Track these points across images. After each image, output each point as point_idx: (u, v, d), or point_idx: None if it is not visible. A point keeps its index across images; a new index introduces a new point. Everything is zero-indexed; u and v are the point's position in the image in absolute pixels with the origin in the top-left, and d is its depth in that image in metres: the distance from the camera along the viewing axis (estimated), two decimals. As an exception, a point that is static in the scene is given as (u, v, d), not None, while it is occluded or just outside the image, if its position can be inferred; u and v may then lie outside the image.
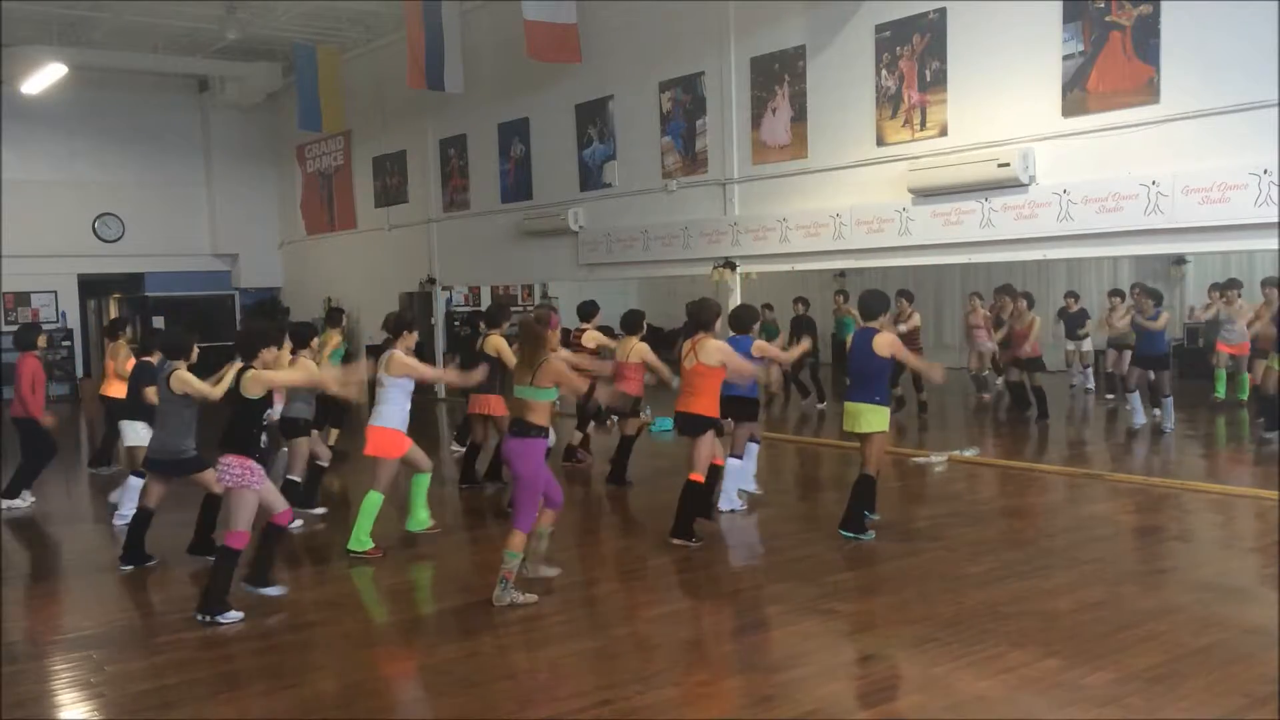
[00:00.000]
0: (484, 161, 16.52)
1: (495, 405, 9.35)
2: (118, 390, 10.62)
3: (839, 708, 4.70)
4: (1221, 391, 13.07)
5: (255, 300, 22.05)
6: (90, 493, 10.51)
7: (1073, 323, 15.06)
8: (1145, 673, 4.90)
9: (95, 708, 5.06)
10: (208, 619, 6.03)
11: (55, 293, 20.38)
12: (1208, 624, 5.56)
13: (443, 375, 8.63)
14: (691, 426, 7.57)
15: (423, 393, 11.75)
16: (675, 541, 7.44)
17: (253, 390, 6.16)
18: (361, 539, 7.42)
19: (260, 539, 6.47)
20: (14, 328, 19.51)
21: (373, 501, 7.42)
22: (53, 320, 20.29)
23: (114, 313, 21.87)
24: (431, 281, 17.82)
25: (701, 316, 7.56)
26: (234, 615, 6.08)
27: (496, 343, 9.30)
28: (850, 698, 4.87)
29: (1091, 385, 15.34)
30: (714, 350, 7.43)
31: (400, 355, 7.47)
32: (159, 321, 20.06)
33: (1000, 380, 14.53)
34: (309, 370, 7.71)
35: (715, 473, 7.85)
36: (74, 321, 20.53)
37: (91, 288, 21.19)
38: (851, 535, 7.46)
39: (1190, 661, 5.03)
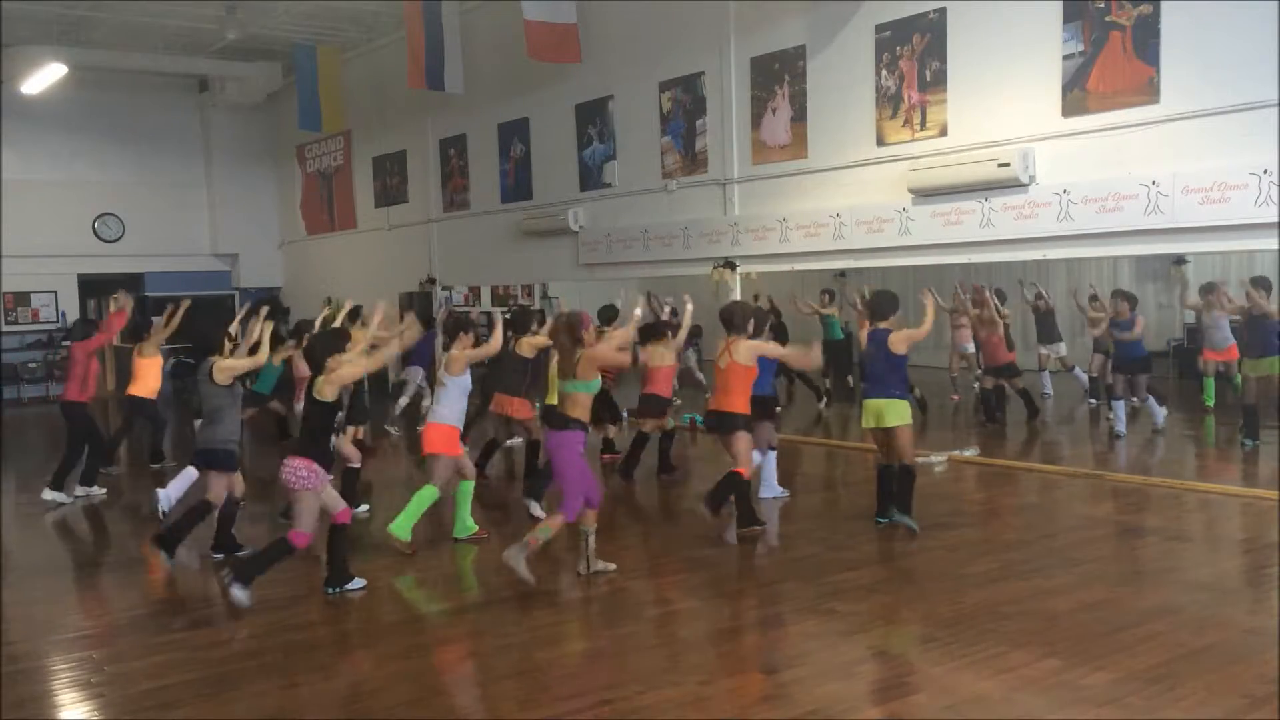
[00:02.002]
0: (484, 161, 16.52)
1: (518, 408, 9.46)
2: (141, 390, 10.79)
3: (839, 708, 4.70)
4: (1211, 399, 12.86)
5: (255, 300, 22.03)
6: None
7: (1043, 324, 14.89)
8: (1145, 673, 4.90)
9: (95, 708, 5.06)
10: (234, 586, 6.23)
11: (55, 293, 20.37)
12: (1208, 624, 5.56)
13: (488, 349, 8.21)
14: (724, 424, 7.83)
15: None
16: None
17: (327, 393, 6.40)
18: (405, 527, 7.56)
19: (327, 544, 6.62)
20: (15, 328, 19.82)
21: (428, 495, 7.62)
22: (53, 320, 20.29)
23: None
24: (432, 281, 17.81)
25: (734, 319, 7.84)
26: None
27: (537, 342, 9.40)
28: (850, 698, 4.88)
29: (1050, 390, 14.96)
30: (747, 350, 7.71)
31: (458, 354, 7.77)
32: (159, 322, 20.02)
33: (975, 385, 14.52)
34: (367, 359, 7.49)
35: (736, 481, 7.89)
36: (74, 321, 20.51)
37: (91, 288, 21.17)
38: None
39: (1190, 661, 5.04)
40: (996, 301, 12.97)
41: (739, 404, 7.75)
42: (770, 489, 8.87)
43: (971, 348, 14.48)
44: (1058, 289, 16.46)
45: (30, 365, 19.91)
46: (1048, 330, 14.68)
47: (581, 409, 6.56)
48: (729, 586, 6.85)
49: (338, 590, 6.55)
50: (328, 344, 6.73)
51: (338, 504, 6.63)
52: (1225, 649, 5.21)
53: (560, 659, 5.50)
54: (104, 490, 10.20)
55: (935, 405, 14.57)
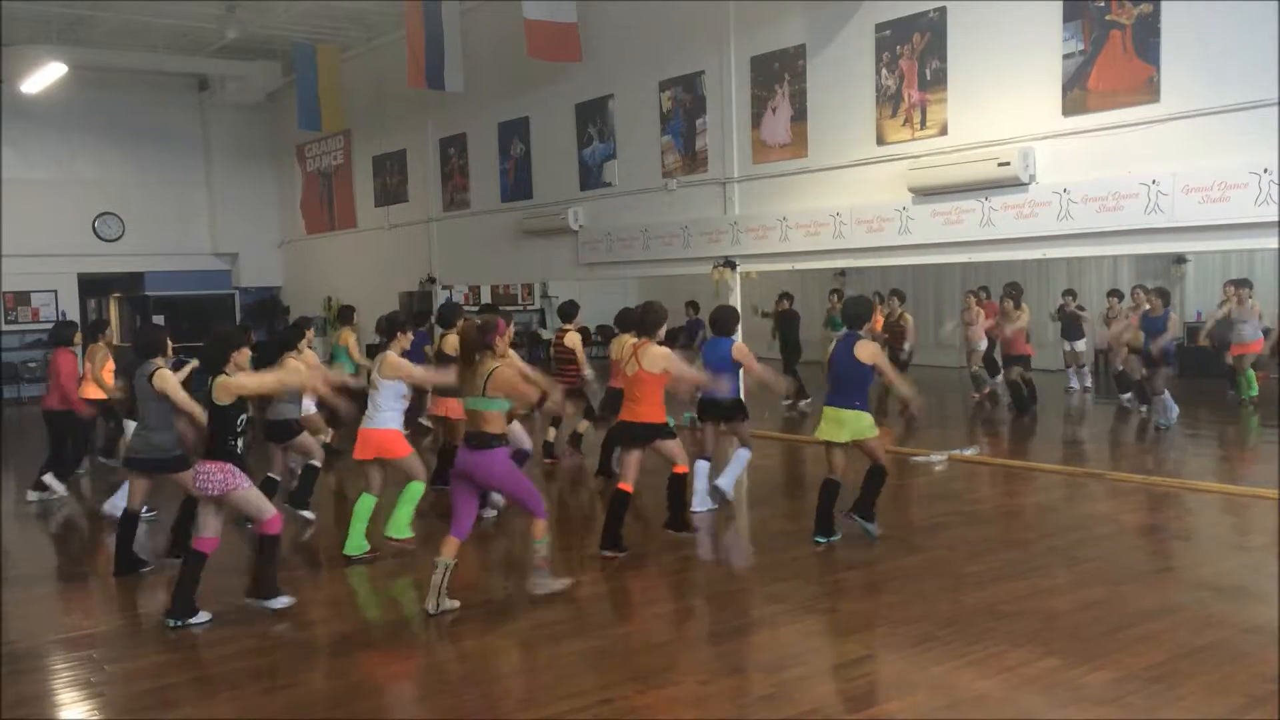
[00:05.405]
0: (484, 161, 16.52)
1: (454, 408, 9.34)
2: (94, 393, 10.57)
3: (838, 707, 4.71)
4: (1249, 392, 12.72)
5: (255, 300, 22.06)
6: (91, 492, 10.50)
7: (1069, 322, 14.99)
8: (1145, 672, 4.90)
9: (95, 708, 5.06)
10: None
11: (55, 292, 20.38)
12: (1208, 624, 5.56)
13: (431, 376, 7.95)
14: (634, 436, 7.33)
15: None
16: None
17: (222, 397, 6.07)
18: (358, 542, 7.42)
19: (257, 551, 6.35)
20: (15, 327, 19.82)
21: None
22: (53, 320, 20.28)
23: (114, 312, 21.88)
24: (431, 281, 17.82)
25: (645, 321, 7.30)
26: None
27: (454, 342, 9.33)
28: (850, 697, 4.88)
29: (1077, 384, 15.15)
30: (658, 357, 7.18)
31: (393, 357, 7.38)
32: (159, 321, 20.07)
33: (999, 379, 14.53)
34: (285, 374, 7.36)
35: (679, 481, 7.67)
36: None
37: (91, 287, 21.19)
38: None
39: (1190, 661, 5.03)
40: (1010, 304, 13.06)
41: (652, 413, 7.26)
42: (728, 479, 8.73)
43: (985, 344, 14.54)
44: (1057, 288, 16.49)
45: (30, 365, 19.91)
46: (1074, 329, 14.84)
47: (497, 424, 6.05)
48: (728, 585, 6.85)
49: (262, 603, 6.25)
50: (231, 341, 6.34)
51: (267, 510, 6.29)
52: (1225, 648, 5.21)
53: (560, 659, 5.49)
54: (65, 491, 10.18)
55: (956, 404, 14.60)
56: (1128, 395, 13.57)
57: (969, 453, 10.74)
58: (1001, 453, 11.00)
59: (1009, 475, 9.99)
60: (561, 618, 6.07)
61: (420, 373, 7.57)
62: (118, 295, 21.90)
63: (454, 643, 5.86)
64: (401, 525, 7.53)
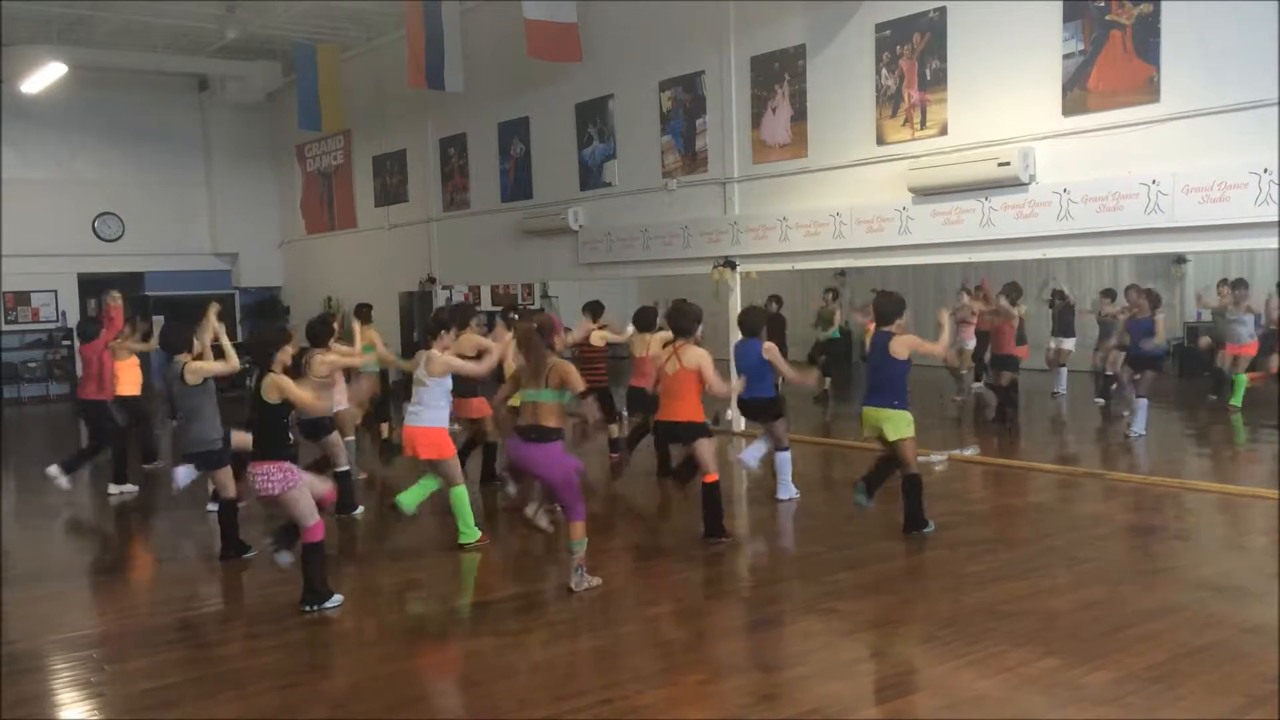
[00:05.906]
0: (484, 161, 16.52)
1: (477, 408, 9.36)
2: (126, 390, 10.73)
3: (839, 706, 4.71)
4: (1238, 400, 12.64)
5: (255, 300, 22.06)
6: (91, 492, 10.50)
7: (1061, 321, 14.93)
8: (1145, 672, 4.90)
9: (95, 708, 5.06)
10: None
11: (55, 292, 20.38)
12: (1208, 624, 5.57)
13: (477, 368, 7.90)
14: (675, 435, 7.52)
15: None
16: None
17: (271, 395, 6.19)
18: (469, 531, 7.56)
19: (302, 561, 6.32)
20: (15, 327, 19.82)
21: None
22: (53, 320, 20.31)
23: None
24: (432, 281, 17.82)
25: (682, 323, 7.51)
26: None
27: (474, 340, 9.36)
28: (850, 697, 4.88)
29: (1062, 390, 15.08)
30: (696, 357, 7.44)
31: (439, 354, 7.54)
32: (159, 321, 20.04)
33: (984, 382, 14.52)
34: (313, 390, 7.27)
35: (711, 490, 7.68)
36: (74, 321, 20.49)
37: (91, 287, 21.16)
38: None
39: (1190, 661, 5.04)
40: (1007, 303, 12.94)
41: (691, 411, 7.46)
42: (786, 490, 8.86)
43: (973, 343, 14.47)
44: (1083, 287, 16.42)
45: (30, 365, 19.92)
46: (1064, 325, 14.78)
47: (555, 416, 6.34)
48: (728, 585, 6.85)
49: (316, 608, 6.27)
50: (276, 341, 6.42)
51: (312, 515, 6.28)
52: (1225, 648, 5.21)
53: (560, 659, 5.50)
54: (136, 487, 10.21)
55: (935, 404, 14.58)
56: (1101, 400, 13.59)
57: (969, 453, 10.74)
58: (1001, 453, 11.00)
59: (1008, 475, 9.99)
60: (562, 618, 6.08)
61: (471, 366, 7.74)
62: (112, 295, 21.86)
63: (455, 643, 5.87)
64: (469, 532, 7.61)
